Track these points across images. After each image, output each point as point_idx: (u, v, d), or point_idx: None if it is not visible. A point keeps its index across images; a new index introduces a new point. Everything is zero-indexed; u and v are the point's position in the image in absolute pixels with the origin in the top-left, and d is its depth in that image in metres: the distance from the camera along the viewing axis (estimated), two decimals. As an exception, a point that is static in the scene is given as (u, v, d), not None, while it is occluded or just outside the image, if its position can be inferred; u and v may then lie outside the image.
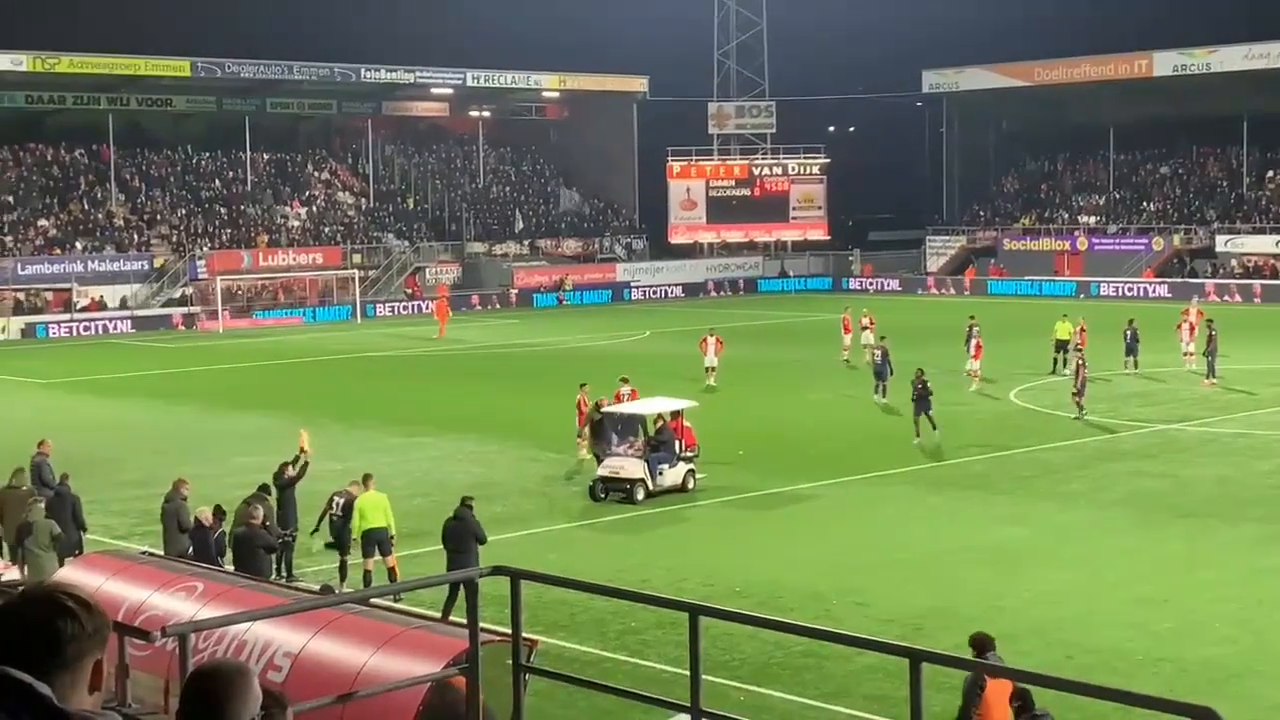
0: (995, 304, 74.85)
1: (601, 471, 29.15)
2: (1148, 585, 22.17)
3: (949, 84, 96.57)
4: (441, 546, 21.69)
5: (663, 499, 28.88)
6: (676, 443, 29.71)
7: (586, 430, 31.39)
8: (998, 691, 13.52)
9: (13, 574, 21.48)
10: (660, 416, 30.23)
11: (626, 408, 31.00)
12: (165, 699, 12.11)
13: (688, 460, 29.75)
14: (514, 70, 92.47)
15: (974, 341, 43.77)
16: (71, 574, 16.18)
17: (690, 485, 29.43)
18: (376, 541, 22.45)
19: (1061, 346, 46.22)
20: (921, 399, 34.24)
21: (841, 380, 45.65)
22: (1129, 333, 46.44)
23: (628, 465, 28.94)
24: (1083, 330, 45.95)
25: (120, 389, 48.43)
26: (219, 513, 21.63)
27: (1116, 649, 18.93)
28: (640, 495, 28.47)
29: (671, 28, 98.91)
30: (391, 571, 22.30)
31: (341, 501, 23.12)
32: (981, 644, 13.82)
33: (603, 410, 30.80)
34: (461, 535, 21.40)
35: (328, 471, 27.91)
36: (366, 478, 23.47)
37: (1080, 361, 38.02)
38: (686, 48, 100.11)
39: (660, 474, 28.90)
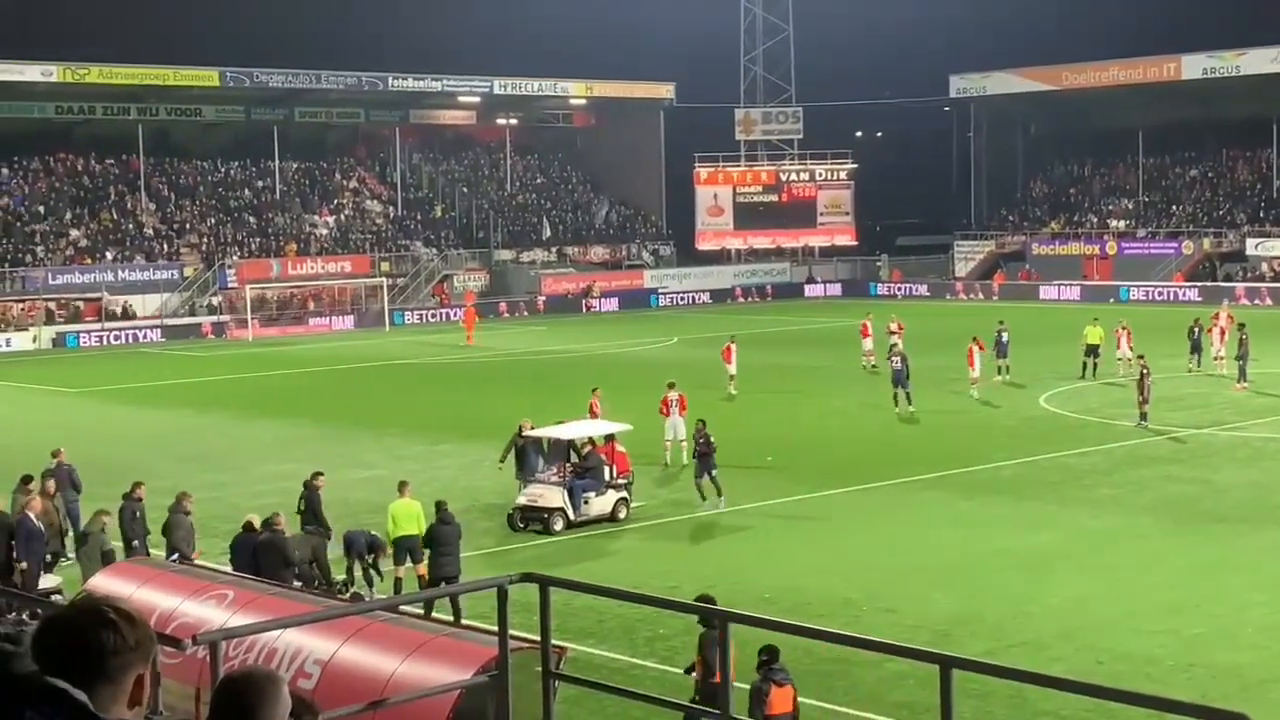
0: (1024, 309, 74.56)
1: (520, 500, 27.18)
2: (1178, 590, 22.07)
3: (976, 88, 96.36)
4: (429, 550, 21.93)
5: (682, 507, 28.82)
6: (606, 469, 27.56)
7: (511, 455, 28.60)
8: (779, 700, 14.53)
9: (49, 581, 21.67)
10: (590, 441, 28.12)
11: (549, 431, 28.37)
12: (196, 706, 12.17)
13: (618, 488, 27.63)
14: (541, 78, 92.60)
15: (973, 345, 43.00)
16: (103, 582, 16.26)
17: (622, 515, 27.39)
18: (408, 549, 22.49)
19: (1092, 351, 46.01)
20: (704, 457, 28.55)
21: (865, 386, 45.54)
22: (1195, 330, 46.64)
23: (547, 494, 26.95)
24: (1128, 333, 45.87)
25: (150, 397, 48.67)
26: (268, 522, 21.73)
27: (1147, 654, 18.85)
28: (558, 526, 26.54)
29: (698, 34, 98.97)
30: (421, 579, 22.34)
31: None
32: (770, 651, 14.51)
33: (523, 434, 28.30)
34: (452, 538, 21.80)
35: (356, 479, 28.04)
36: (402, 484, 23.56)
37: (1144, 370, 37.19)
38: (713, 54, 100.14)
39: (585, 503, 26.89)
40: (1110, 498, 28.81)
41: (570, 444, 27.91)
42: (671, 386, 34.02)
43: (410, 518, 22.66)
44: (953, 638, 19.25)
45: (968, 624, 20.23)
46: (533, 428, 28.48)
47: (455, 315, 75.50)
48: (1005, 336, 45.92)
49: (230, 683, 4.08)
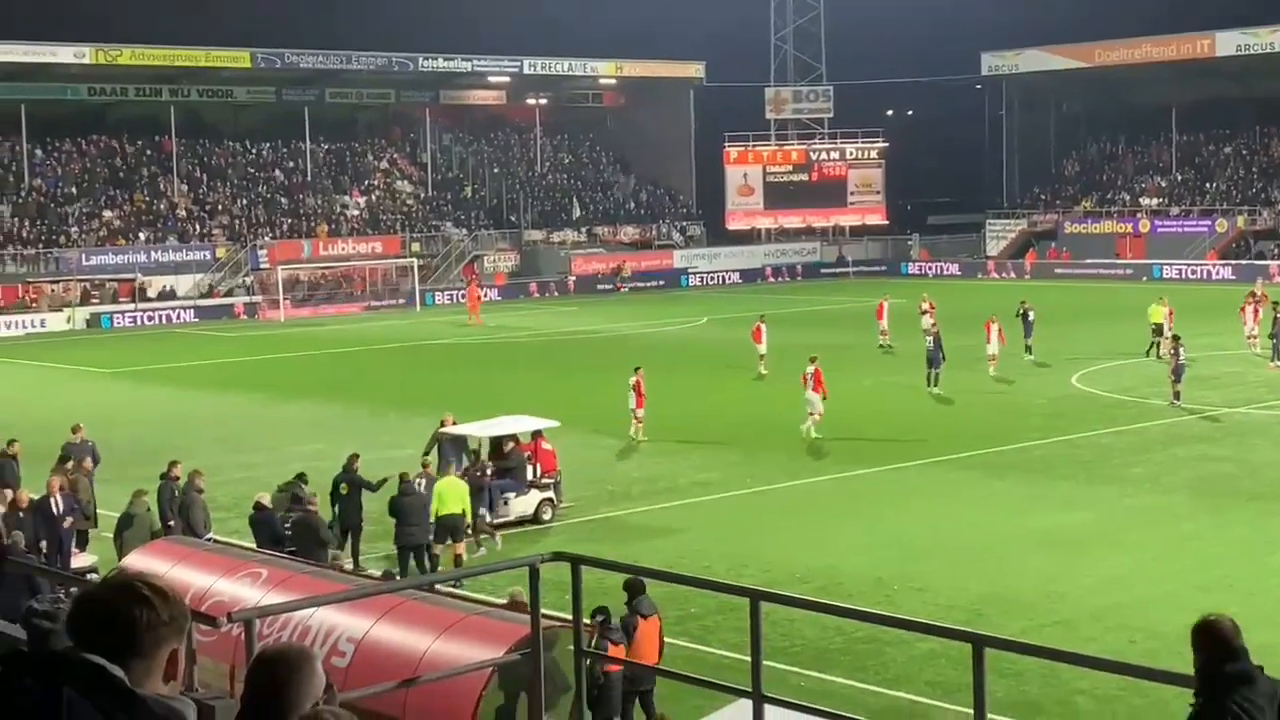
0: (1056, 287, 74.28)
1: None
2: (1212, 570, 21.97)
3: (1008, 66, 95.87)
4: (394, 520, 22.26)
5: (719, 485, 28.83)
6: (529, 468, 26.02)
7: (434, 451, 26.78)
8: (648, 631, 15.28)
9: (82, 561, 21.80)
10: (514, 438, 26.45)
11: (468, 428, 26.96)
12: (231, 684, 12.24)
13: (543, 488, 26.04)
14: (570, 58, 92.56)
15: (995, 326, 42.92)
16: (139, 560, 16.38)
17: (546, 516, 25.78)
18: (450, 528, 22.53)
19: (1157, 330, 45.74)
20: (479, 491, 24.53)
21: (894, 366, 45.41)
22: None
23: None
24: (1170, 312, 45.71)
25: (183, 378, 48.89)
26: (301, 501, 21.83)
27: (1181, 634, 18.57)
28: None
29: (728, 13, 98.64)
30: (458, 559, 22.41)
31: (424, 482, 23.25)
32: (634, 588, 15.18)
33: (440, 431, 26.98)
34: (416, 508, 22.06)
35: (387, 459, 28.08)
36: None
37: (1173, 349, 37.22)
38: (743, 33, 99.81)
39: (504, 503, 25.24)
40: (1143, 477, 28.68)
41: (496, 441, 26.47)
42: (813, 361, 34.39)
43: (455, 496, 22.73)
44: (985, 617, 19.22)
45: (1000, 603, 20.18)
46: (454, 423, 27.24)
47: (484, 296, 75.70)
48: (1031, 315, 45.65)
49: (264, 660, 4.10)
